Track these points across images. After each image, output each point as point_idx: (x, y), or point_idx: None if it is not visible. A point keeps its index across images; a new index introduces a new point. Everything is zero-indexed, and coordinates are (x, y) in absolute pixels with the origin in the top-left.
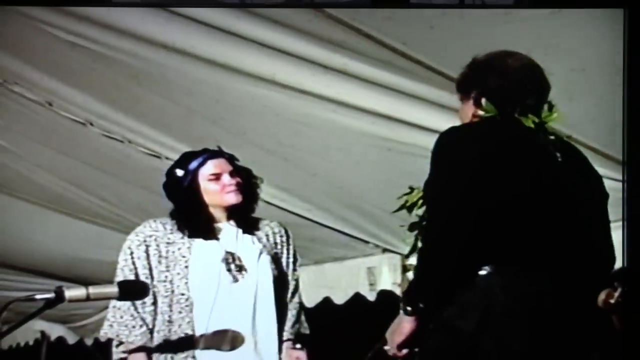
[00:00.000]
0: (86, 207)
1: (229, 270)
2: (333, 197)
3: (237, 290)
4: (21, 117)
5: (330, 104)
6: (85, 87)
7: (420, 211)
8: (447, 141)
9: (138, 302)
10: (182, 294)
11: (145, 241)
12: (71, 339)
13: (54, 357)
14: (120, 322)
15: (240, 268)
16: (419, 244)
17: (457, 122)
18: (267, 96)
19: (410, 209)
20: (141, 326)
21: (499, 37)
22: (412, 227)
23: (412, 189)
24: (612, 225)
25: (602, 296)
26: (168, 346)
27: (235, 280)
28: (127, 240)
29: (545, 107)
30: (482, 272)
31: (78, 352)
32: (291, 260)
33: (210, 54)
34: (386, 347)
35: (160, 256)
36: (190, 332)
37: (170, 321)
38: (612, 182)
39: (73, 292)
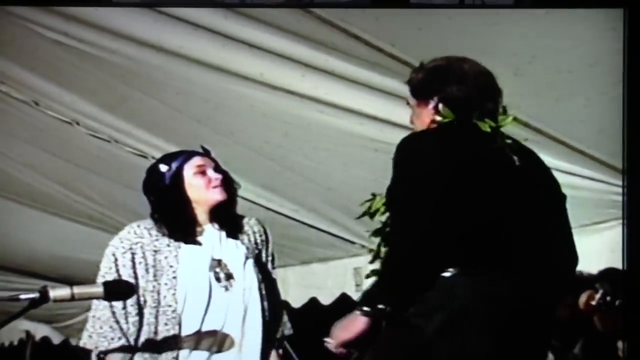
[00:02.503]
0: (72, 206)
1: (218, 279)
2: (320, 197)
3: (227, 298)
4: (7, 116)
5: (318, 104)
6: (72, 86)
7: (383, 217)
8: (408, 149)
9: (121, 313)
10: (169, 306)
11: (131, 248)
12: (56, 339)
13: (39, 357)
14: (100, 333)
15: (229, 276)
16: (382, 250)
17: None
18: (255, 96)
19: (372, 215)
20: (120, 338)
21: (486, 39)
22: (375, 233)
23: (374, 196)
24: (608, 224)
25: (583, 298)
26: (152, 346)
27: (225, 289)
28: (110, 246)
29: (500, 110)
30: (447, 274)
31: (63, 352)
32: (270, 259)
33: (198, 53)
34: (328, 340)
35: (147, 265)
36: (176, 341)
37: (155, 332)
38: (597, 184)
39: (58, 291)
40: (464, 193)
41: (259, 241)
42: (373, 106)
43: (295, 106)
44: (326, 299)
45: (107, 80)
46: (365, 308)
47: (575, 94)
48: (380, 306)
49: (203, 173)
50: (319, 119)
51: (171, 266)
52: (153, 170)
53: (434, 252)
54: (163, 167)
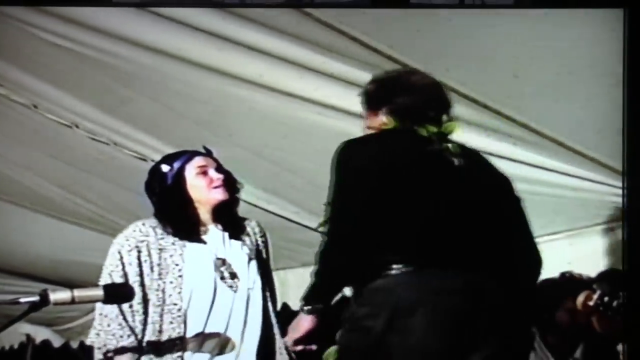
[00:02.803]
0: (72, 209)
1: (222, 278)
2: (320, 199)
3: (231, 298)
4: (6, 119)
5: (317, 106)
6: (71, 89)
7: None
8: (345, 153)
9: (128, 311)
10: (175, 304)
11: (137, 247)
12: (57, 342)
13: None
14: (108, 331)
15: (233, 275)
16: None
17: None
18: (254, 98)
19: None
20: (129, 336)
21: (486, 40)
22: None
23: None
24: (609, 226)
25: (580, 298)
26: (156, 347)
27: (230, 288)
28: (115, 244)
29: (445, 118)
30: (392, 272)
31: (64, 355)
32: (268, 262)
33: (197, 56)
34: (284, 340)
35: (152, 263)
36: (179, 342)
37: (160, 331)
38: (597, 185)
39: (58, 295)
40: (398, 193)
41: (260, 242)
42: None
43: (295, 108)
44: None
45: (106, 82)
46: (306, 307)
47: (574, 94)
48: (318, 306)
49: (205, 173)
50: (319, 121)
51: (177, 264)
52: (155, 171)
53: (366, 252)
54: (165, 168)
